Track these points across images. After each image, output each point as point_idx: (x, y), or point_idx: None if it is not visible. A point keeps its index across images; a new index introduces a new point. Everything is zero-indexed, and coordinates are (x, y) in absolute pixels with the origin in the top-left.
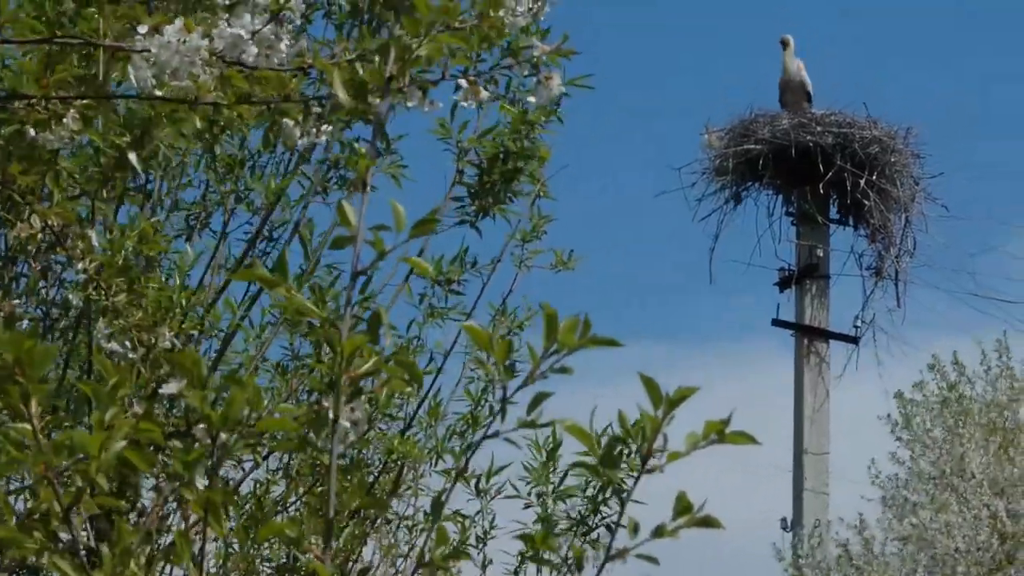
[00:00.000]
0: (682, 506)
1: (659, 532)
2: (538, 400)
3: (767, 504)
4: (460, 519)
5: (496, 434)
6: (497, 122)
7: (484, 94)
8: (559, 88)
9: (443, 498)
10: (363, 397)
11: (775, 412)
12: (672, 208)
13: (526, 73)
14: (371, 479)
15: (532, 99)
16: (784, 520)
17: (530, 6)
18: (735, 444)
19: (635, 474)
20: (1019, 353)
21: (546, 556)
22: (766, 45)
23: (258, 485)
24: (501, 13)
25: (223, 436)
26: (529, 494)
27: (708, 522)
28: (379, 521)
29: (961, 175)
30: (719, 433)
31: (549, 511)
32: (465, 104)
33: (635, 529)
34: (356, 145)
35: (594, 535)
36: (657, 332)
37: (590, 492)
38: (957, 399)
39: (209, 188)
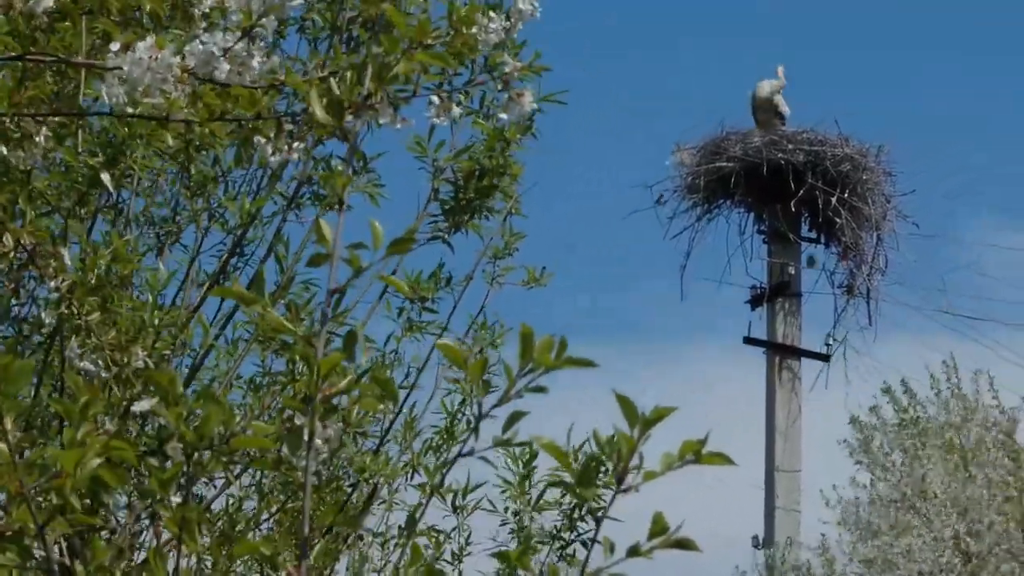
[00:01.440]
0: (658, 527)
1: (634, 552)
2: (514, 419)
3: (739, 522)
4: (435, 535)
5: (471, 452)
6: (472, 138)
7: (456, 110)
8: (531, 104)
9: (417, 514)
10: (337, 414)
11: (747, 430)
12: (645, 226)
13: (499, 88)
14: (346, 495)
15: (504, 115)
16: (756, 538)
17: (503, 23)
18: (711, 464)
19: (610, 491)
20: (1002, 376)
21: (521, 574)
22: (741, 63)
23: (230, 502)
24: (474, 30)
25: (197, 454)
26: (506, 510)
27: (684, 544)
28: (352, 537)
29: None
30: (695, 454)
31: (526, 527)
32: (437, 120)
33: (611, 549)
34: (331, 162)
35: (570, 550)
36: (629, 349)
37: (566, 508)
38: (913, 421)
39: (180, 205)
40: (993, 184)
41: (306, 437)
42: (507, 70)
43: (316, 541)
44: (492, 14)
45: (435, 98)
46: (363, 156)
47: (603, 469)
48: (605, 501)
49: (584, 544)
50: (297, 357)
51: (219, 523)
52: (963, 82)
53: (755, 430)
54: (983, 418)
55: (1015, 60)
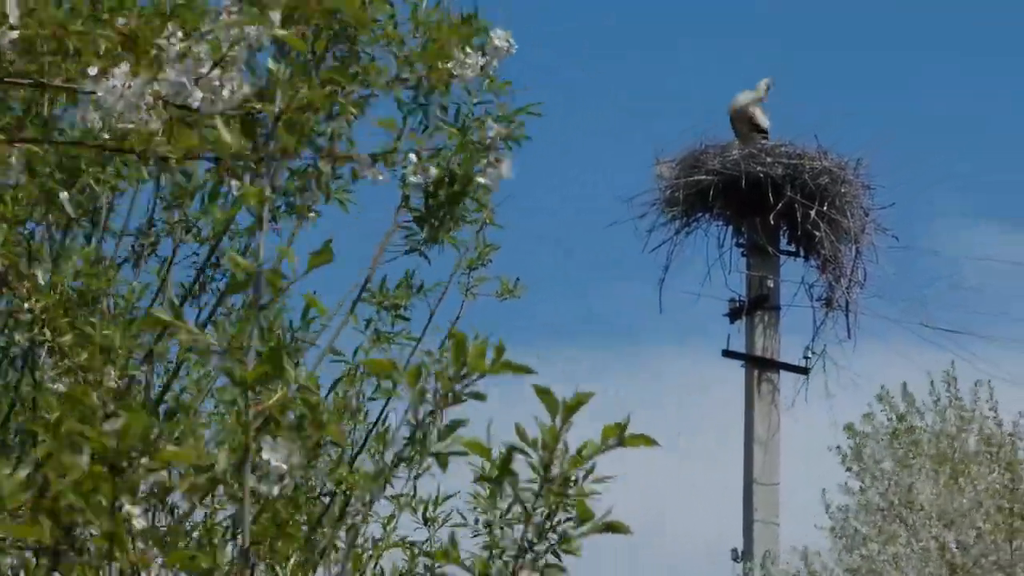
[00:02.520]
0: (585, 515)
1: (565, 541)
2: (453, 427)
3: (719, 534)
4: (408, 547)
5: (410, 458)
6: (443, 145)
7: (433, 171)
8: (508, 173)
9: (389, 527)
10: (287, 433)
11: (726, 443)
12: (623, 238)
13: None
14: (323, 507)
15: (482, 179)
16: (735, 551)
17: (479, 60)
18: (634, 446)
19: (537, 482)
20: (967, 384)
21: None
22: (740, 64)
23: (207, 513)
24: (449, 65)
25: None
26: (477, 522)
27: (614, 527)
28: (327, 549)
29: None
30: (619, 437)
31: (496, 538)
32: (414, 179)
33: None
34: (306, 171)
35: (541, 562)
36: (609, 363)
37: (537, 520)
38: (907, 430)
39: (155, 216)
40: (977, 192)
41: (246, 454)
42: (491, 135)
43: (291, 554)
44: (468, 50)
45: (412, 156)
46: (328, 188)
47: (533, 465)
48: (532, 494)
49: (555, 554)
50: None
51: (194, 535)
52: (957, 83)
53: (735, 443)
54: (979, 428)
55: (1009, 61)
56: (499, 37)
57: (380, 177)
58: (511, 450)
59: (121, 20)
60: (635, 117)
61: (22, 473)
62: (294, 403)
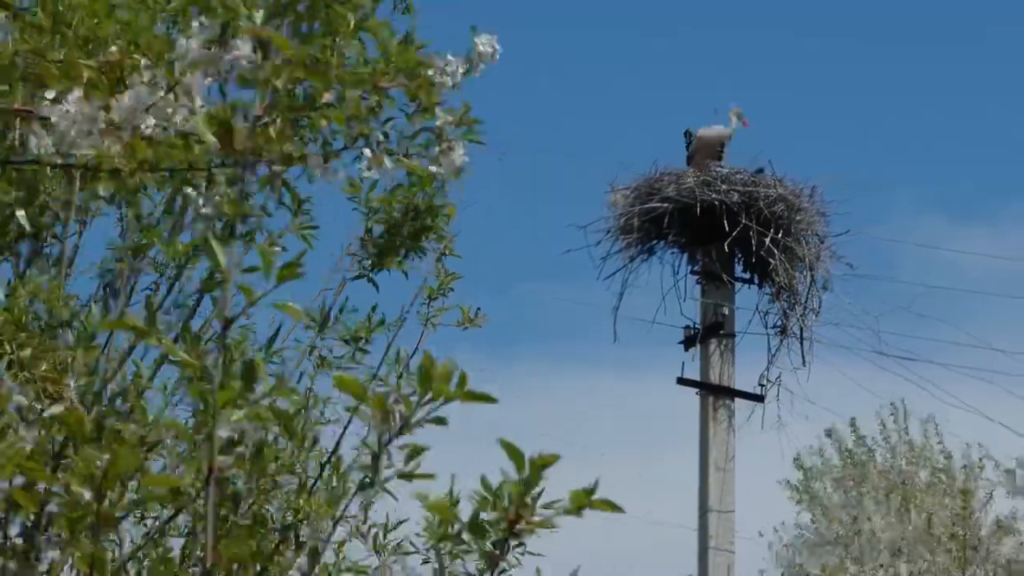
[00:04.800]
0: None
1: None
2: (415, 452)
3: (673, 561)
4: (360, 573)
5: (372, 483)
6: (398, 177)
7: (388, 163)
8: (462, 158)
9: (341, 554)
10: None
11: (681, 470)
12: (578, 265)
13: (425, 145)
14: (277, 535)
15: (435, 168)
16: None
17: (460, 66)
18: (601, 511)
19: (501, 538)
20: (920, 414)
21: None
22: (674, 104)
23: (153, 541)
24: (431, 73)
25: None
26: (428, 549)
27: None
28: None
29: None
30: (586, 502)
31: (447, 568)
32: (368, 174)
33: None
34: (265, 202)
35: None
36: (562, 390)
37: (487, 547)
38: (856, 464)
39: (114, 247)
40: (932, 216)
41: (205, 470)
42: (438, 123)
43: None
44: (450, 57)
45: (367, 151)
46: (297, 198)
47: (496, 516)
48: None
49: None
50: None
51: (146, 561)
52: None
53: (689, 470)
54: (930, 466)
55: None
56: (483, 42)
57: (335, 177)
58: (480, 507)
59: (105, 50)
60: (590, 143)
61: None
62: (261, 415)
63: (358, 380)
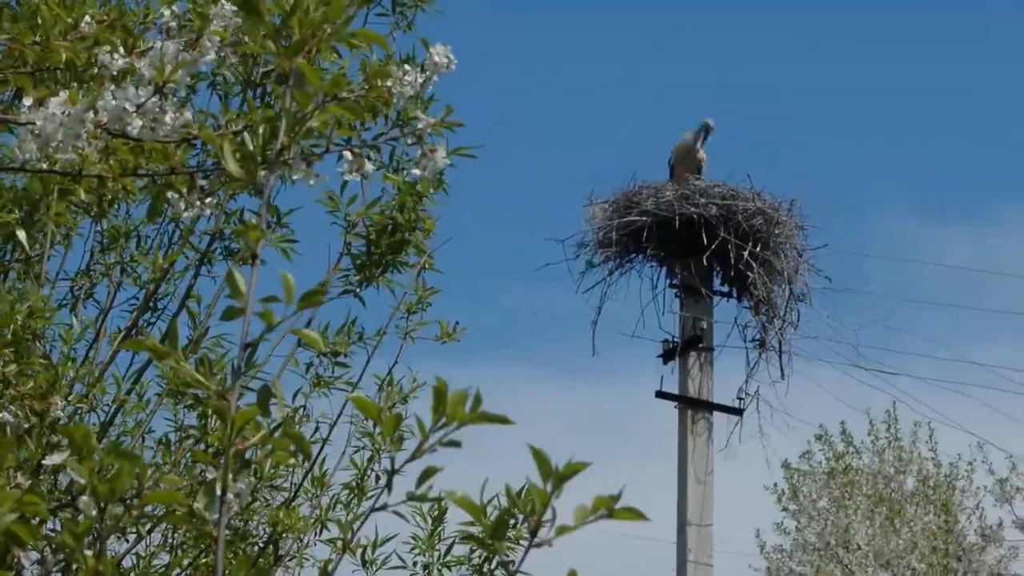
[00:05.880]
0: None
1: None
2: (427, 474)
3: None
4: None
5: (384, 507)
6: (383, 190)
7: (369, 166)
8: (444, 160)
9: (330, 569)
10: (249, 469)
11: (660, 483)
12: (557, 278)
13: (410, 143)
14: (256, 550)
15: (417, 171)
16: None
17: (419, 76)
18: (624, 520)
19: (523, 544)
20: (906, 424)
21: None
22: (652, 118)
23: (140, 558)
24: (389, 83)
25: (111, 508)
26: (415, 564)
27: None
28: None
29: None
30: (608, 509)
31: None
32: (349, 176)
33: None
34: (243, 217)
35: None
36: (542, 403)
37: (476, 563)
38: (844, 470)
39: (93, 259)
40: (913, 219)
41: (219, 491)
42: (420, 126)
43: None
44: (408, 67)
45: (348, 154)
46: (276, 211)
47: (513, 522)
48: (518, 554)
49: None
50: (210, 411)
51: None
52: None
53: (668, 484)
54: (917, 470)
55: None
56: (438, 53)
57: (315, 179)
58: (504, 513)
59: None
60: (568, 158)
61: None
62: (276, 440)
63: (374, 402)
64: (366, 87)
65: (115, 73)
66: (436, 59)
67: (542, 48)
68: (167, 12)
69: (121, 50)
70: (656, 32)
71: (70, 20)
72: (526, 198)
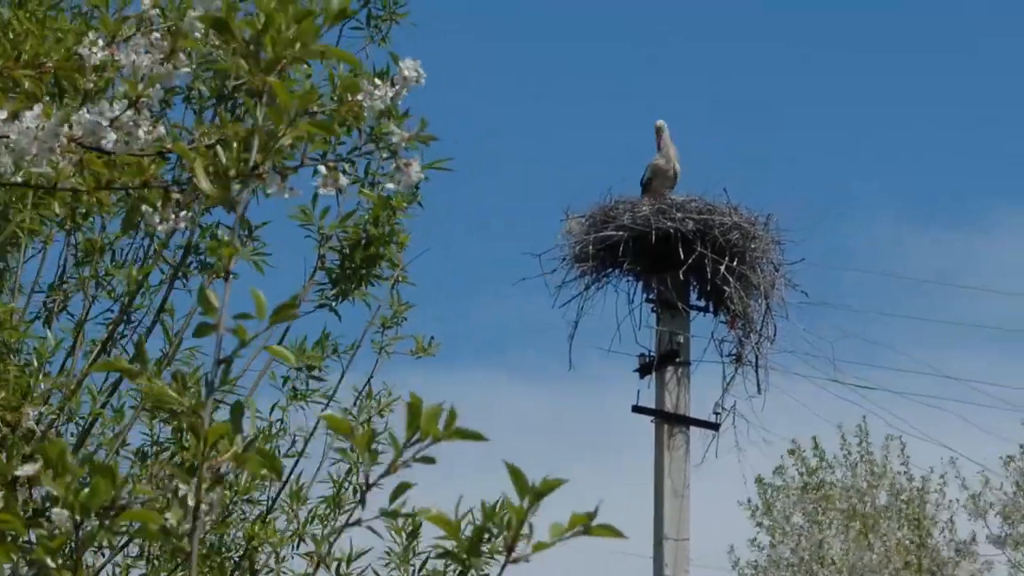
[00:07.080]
0: None
1: None
2: (401, 489)
3: None
4: None
5: (358, 522)
6: (358, 204)
7: (343, 180)
8: (418, 175)
9: None
10: (223, 484)
11: (636, 498)
12: (534, 293)
13: (385, 157)
14: (234, 564)
15: (391, 185)
16: None
17: (388, 91)
18: (601, 536)
19: (499, 559)
20: (877, 438)
21: None
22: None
23: (117, 568)
24: (360, 97)
25: (86, 523)
26: None
27: None
28: None
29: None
30: (585, 526)
31: None
32: (324, 190)
33: None
34: (216, 231)
35: None
36: (517, 418)
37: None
38: (817, 485)
39: (67, 273)
40: (888, 243)
41: (192, 505)
42: (394, 140)
43: None
44: (378, 81)
45: (322, 168)
46: (249, 225)
47: (488, 538)
48: (494, 569)
49: None
50: (184, 426)
51: None
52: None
53: (644, 499)
54: (890, 484)
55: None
56: (408, 67)
57: (290, 193)
58: (479, 529)
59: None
60: (545, 171)
61: None
62: (248, 457)
63: (346, 420)
64: (337, 101)
65: (96, 63)
66: (406, 73)
67: (534, 62)
68: (146, 1)
69: (100, 43)
70: (647, 46)
71: (47, 33)
72: (517, 211)
